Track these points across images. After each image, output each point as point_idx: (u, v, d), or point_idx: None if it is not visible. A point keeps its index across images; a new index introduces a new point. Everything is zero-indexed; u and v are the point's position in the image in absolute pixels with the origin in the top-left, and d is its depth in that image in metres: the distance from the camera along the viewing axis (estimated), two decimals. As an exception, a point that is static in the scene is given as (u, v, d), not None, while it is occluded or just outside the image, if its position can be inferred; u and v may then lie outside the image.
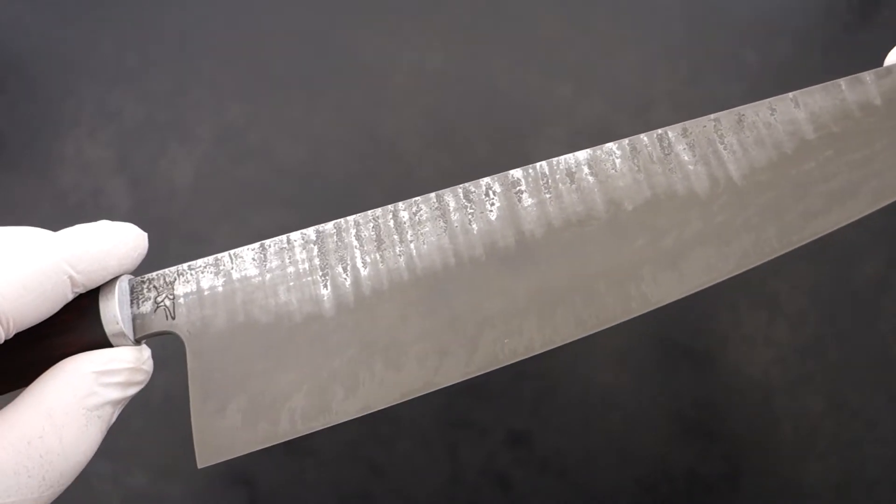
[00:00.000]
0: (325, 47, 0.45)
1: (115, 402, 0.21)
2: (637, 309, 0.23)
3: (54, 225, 0.42)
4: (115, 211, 0.42)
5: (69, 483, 0.20)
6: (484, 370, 0.23)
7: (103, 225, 0.22)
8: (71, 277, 0.20)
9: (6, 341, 0.20)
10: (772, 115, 0.25)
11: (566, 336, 0.23)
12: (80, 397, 0.20)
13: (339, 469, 0.39)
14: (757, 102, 0.25)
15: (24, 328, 0.20)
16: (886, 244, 0.42)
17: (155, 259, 0.41)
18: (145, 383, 0.22)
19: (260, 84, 0.44)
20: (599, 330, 0.23)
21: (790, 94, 0.25)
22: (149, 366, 0.22)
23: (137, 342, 0.22)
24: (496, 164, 0.43)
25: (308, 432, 0.22)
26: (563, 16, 0.46)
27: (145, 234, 0.23)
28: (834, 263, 0.42)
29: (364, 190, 0.42)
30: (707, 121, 0.25)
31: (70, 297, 0.21)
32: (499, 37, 0.45)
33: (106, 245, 0.21)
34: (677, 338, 0.41)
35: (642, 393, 0.40)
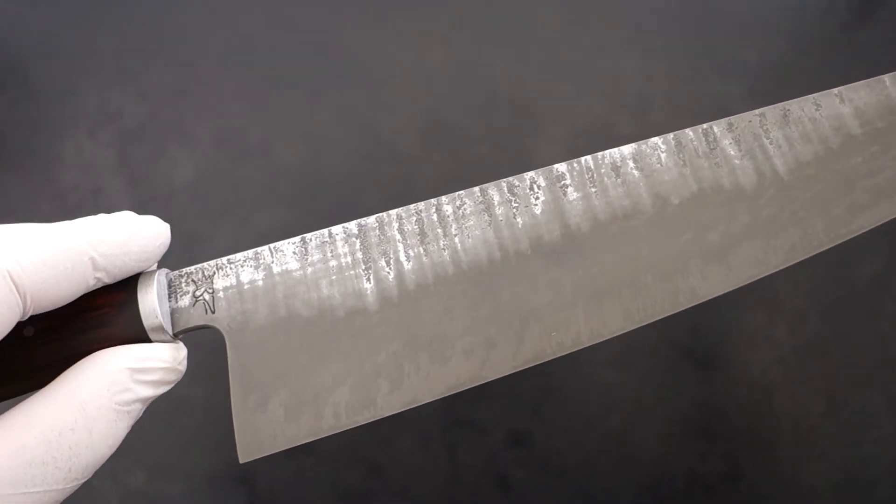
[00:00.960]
0: (325, 47, 0.45)
1: (145, 400, 0.21)
2: (685, 302, 0.23)
3: (54, 225, 0.42)
4: (114, 211, 0.42)
5: (90, 476, 0.20)
6: (531, 363, 0.23)
7: (126, 214, 0.22)
8: (92, 259, 0.20)
9: (42, 336, 0.20)
10: (817, 110, 0.25)
11: (614, 329, 0.23)
12: (113, 392, 0.20)
13: (339, 468, 0.39)
14: (801, 98, 0.25)
15: (43, 310, 0.20)
16: (886, 244, 0.42)
17: (155, 259, 0.41)
18: (178, 381, 0.22)
19: (260, 84, 0.44)
20: (647, 323, 0.23)
21: (835, 90, 0.25)
22: (183, 366, 0.22)
23: (176, 336, 0.22)
24: (496, 164, 0.43)
25: (353, 426, 0.22)
26: (563, 16, 0.46)
27: (168, 226, 0.23)
28: (834, 263, 0.42)
29: (364, 190, 0.42)
30: (752, 115, 0.25)
31: (92, 282, 0.21)
32: (499, 37, 0.45)
33: (128, 231, 0.21)
34: (677, 338, 0.41)
35: (642, 393, 0.40)
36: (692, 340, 0.41)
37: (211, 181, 0.43)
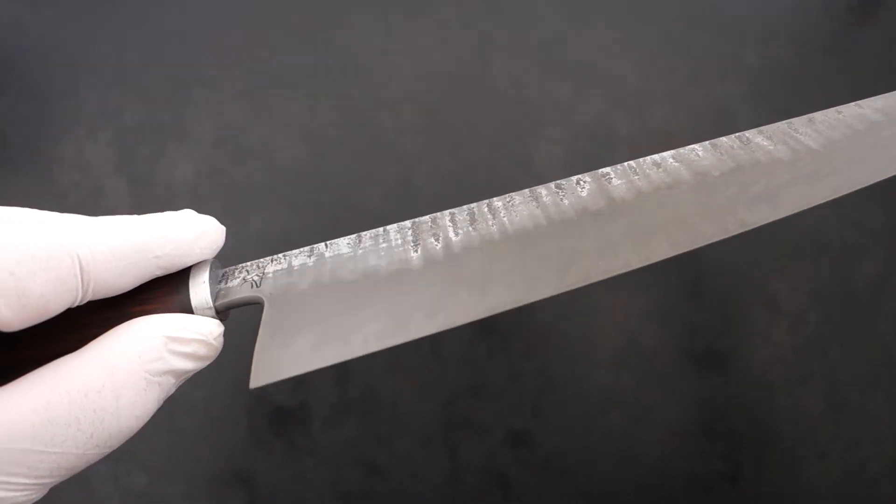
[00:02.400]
0: (325, 47, 0.45)
1: (177, 373, 0.20)
2: (734, 230, 0.24)
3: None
4: (114, 211, 0.42)
5: (115, 447, 0.19)
6: (576, 286, 0.23)
7: (189, 214, 0.22)
8: (157, 257, 0.21)
9: (91, 314, 0.20)
10: (839, 114, 0.27)
11: (662, 255, 0.23)
12: (145, 360, 0.20)
13: (339, 469, 0.39)
14: (824, 110, 0.27)
15: (100, 297, 0.20)
16: (886, 244, 0.42)
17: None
18: (210, 360, 0.22)
19: (260, 84, 0.44)
20: (693, 248, 0.24)
21: (853, 103, 0.27)
22: (219, 342, 0.22)
23: (219, 313, 0.23)
24: (496, 164, 0.43)
25: (380, 349, 0.22)
26: (563, 16, 0.46)
27: (224, 228, 0.23)
28: (834, 263, 0.42)
29: (364, 190, 0.42)
30: (779, 123, 0.27)
31: (151, 276, 0.21)
32: (499, 37, 0.45)
33: (193, 233, 0.22)
34: (677, 338, 0.41)
35: (642, 393, 0.40)
36: (692, 340, 0.41)
37: (211, 181, 0.43)
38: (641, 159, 0.26)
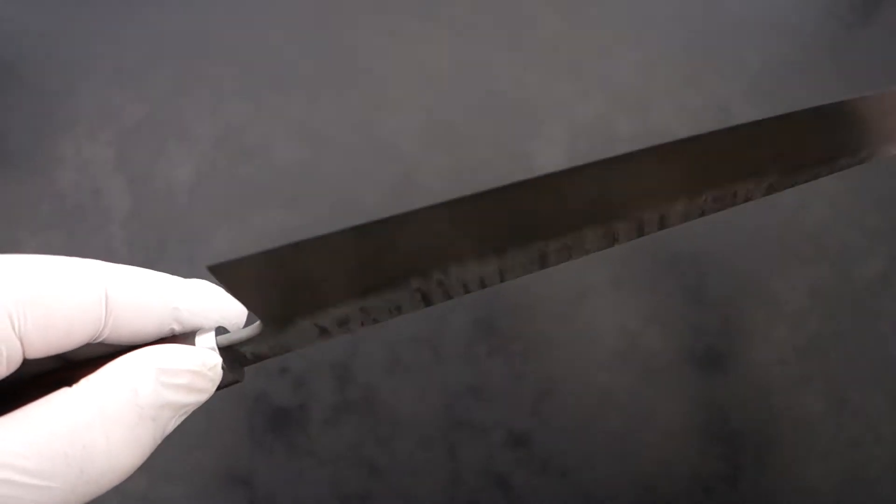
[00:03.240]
0: (325, 47, 0.45)
1: (174, 407, 0.20)
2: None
3: (53, 225, 0.42)
4: (114, 211, 0.42)
5: (111, 485, 0.19)
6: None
7: (215, 287, 0.22)
8: (176, 309, 0.21)
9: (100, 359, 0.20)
10: None
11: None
12: (136, 393, 0.19)
13: (339, 469, 0.39)
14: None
15: (117, 340, 0.20)
16: (886, 244, 0.42)
17: (154, 259, 0.41)
18: (209, 394, 0.21)
19: (260, 84, 0.44)
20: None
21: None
22: (214, 373, 0.21)
23: (227, 358, 0.22)
24: (496, 164, 0.43)
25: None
26: (563, 16, 0.46)
27: (246, 313, 0.23)
28: (834, 263, 0.42)
29: (364, 190, 0.42)
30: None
31: (167, 329, 0.21)
32: (499, 36, 0.45)
33: (214, 300, 0.22)
34: (677, 338, 0.41)
35: (642, 393, 0.40)
36: (692, 340, 0.41)
37: (211, 181, 0.43)
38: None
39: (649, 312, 0.41)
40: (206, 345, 0.21)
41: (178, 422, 0.20)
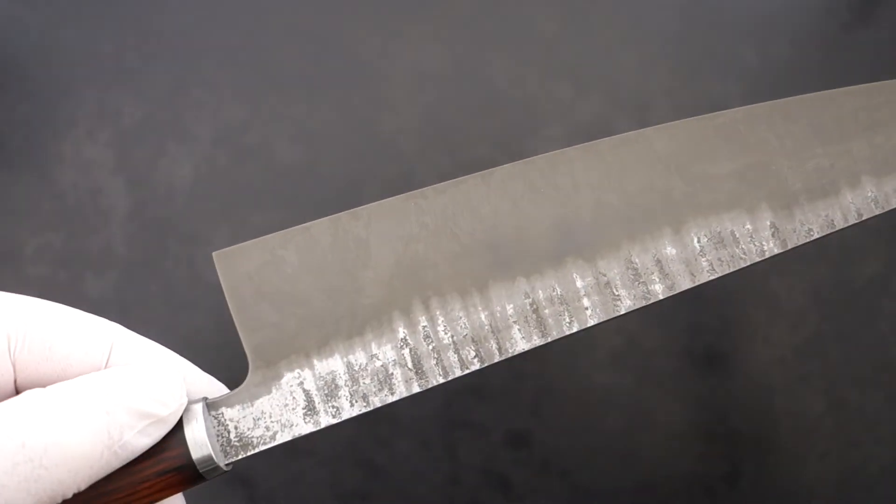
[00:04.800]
0: (325, 47, 0.45)
1: (129, 410, 0.19)
2: None
3: (53, 225, 0.42)
4: (114, 211, 0.42)
5: (71, 480, 0.18)
6: None
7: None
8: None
9: None
10: None
11: None
12: (90, 386, 0.19)
13: (339, 469, 0.39)
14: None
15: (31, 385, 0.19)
16: (886, 244, 0.42)
17: (154, 259, 0.41)
18: (169, 410, 0.20)
19: (260, 84, 0.44)
20: None
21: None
22: (175, 389, 0.20)
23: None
24: (496, 165, 0.43)
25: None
26: (563, 16, 0.46)
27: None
28: (834, 263, 0.42)
29: (364, 190, 0.42)
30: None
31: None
32: (499, 37, 0.45)
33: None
34: (677, 338, 0.41)
35: (642, 393, 0.40)
36: (692, 340, 0.41)
37: (210, 181, 0.43)
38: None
39: (648, 312, 0.41)
40: (194, 413, 0.20)
41: (146, 441, 0.19)
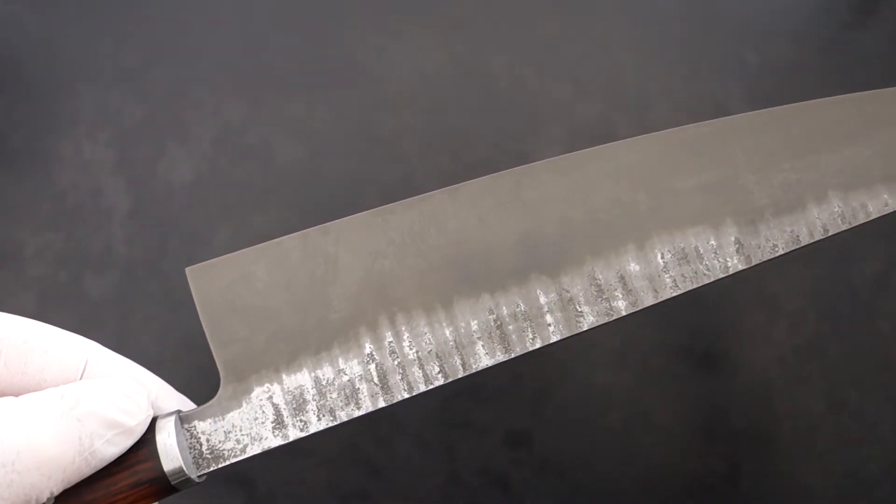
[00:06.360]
0: (325, 47, 0.45)
1: (98, 418, 0.19)
2: None
3: (53, 225, 0.42)
4: (114, 211, 0.42)
5: (44, 483, 0.18)
6: None
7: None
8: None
9: None
10: None
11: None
12: (63, 395, 0.19)
13: (338, 469, 0.39)
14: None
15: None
16: (886, 244, 0.42)
17: (154, 259, 0.41)
18: (136, 420, 0.20)
19: (260, 84, 0.44)
20: None
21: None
22: (141, 399, 0.20)
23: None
24: (496, 165, 0.43)
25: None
26: (563, 16, 0.46)
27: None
28: (833, 263, 0.42)
29: (364, 190, 0.42)
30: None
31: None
32: (499, 37, 0.45)
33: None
34: (677, 338, 0.41)
35: (642, 393, 0.40)
36: (692, 340, 0.41)
37: (210, 181, 0.43)
38: None
39: (648, 312, 0.41)
40: (166, 426, 0.20)
41: (114, 450, 0.20)
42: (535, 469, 0.39)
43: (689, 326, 0.41)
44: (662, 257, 0.23)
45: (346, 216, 0.23)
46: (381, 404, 0.22)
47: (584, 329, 0.23)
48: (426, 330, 0.22)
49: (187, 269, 0.22)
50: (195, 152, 0.43)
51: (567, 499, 0.39)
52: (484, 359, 0.22)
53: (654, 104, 0.44)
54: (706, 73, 0.45)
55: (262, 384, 0.22)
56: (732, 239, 0.24)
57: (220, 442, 0.21)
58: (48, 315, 0.40)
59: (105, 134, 0.43)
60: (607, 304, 0.23)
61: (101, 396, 0.20)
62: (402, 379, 0.22)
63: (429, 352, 0.22)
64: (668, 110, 0.44)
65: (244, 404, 0.22)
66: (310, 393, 0.22)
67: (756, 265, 0.24)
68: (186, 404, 0.23)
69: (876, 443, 0.40)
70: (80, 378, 0.21)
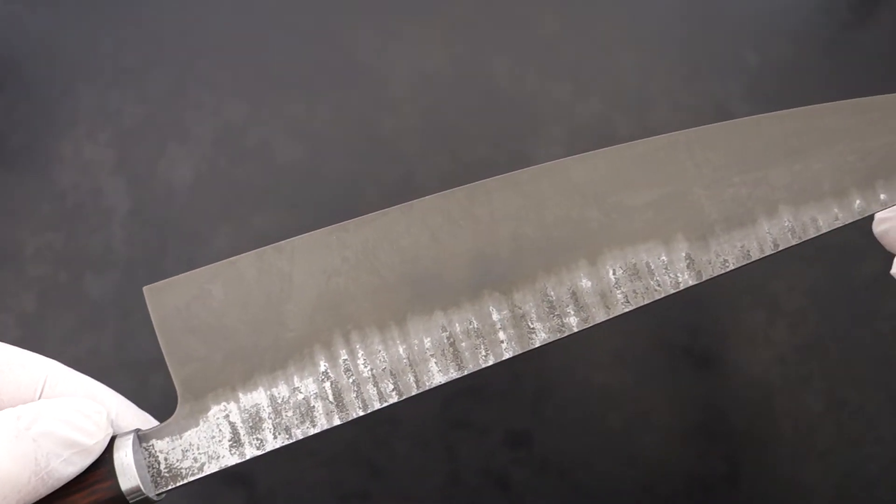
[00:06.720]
0: (325, 47, 0.45)
1: (54, 438, 0.19)
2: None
3: (53, 225, 0.42)
4: (114, 211, 0.42)
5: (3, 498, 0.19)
6: None
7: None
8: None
9: None
10: None
11: None
12: (19, 415, 0.19)
13: (338, 469, 0.39)
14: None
15: None
16: (886, 244, 0.42)
17: (154, 259, 0.41)
18: (94, 440, 0.20)
19: (260, 84, 0.44)
20: None
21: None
22: (99, 418, 0.20)
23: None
24: (496, 164, 0.43)
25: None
26: (563, 16, 0.46)
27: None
28: (833, 263, 0.42)
29: (364, 190, 0.42)
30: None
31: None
32: (499, 37, 0.45)
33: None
34: (677, 338, 0.41)
35: (642, 393, 0.40)
36: (691, 340, 0.41)
37: (210, 181, 0.43)
38: None
39: (647, 313, 0.41)
40: (124, 445, 0.20)
41: (72, 469, 0.19)
42: (535, 469, 0.39)
43: (689, 326, 0.41)
44: (614, 273, 0.23)
45: (343, 219, 0.23)
46: (337, 422, 0.22)
47: (536, 346, 0.23)
48: (380, 348, 0.22)
49: (145, 289, 0.22)
50: (195, 152, 0.43)
51: (567, 499, 0.39)
52: (437, 376, 0.22)
53: (654, 104, 0.44)
54: (706, 73, 0.45)
55: (218, 403, 0.22)
56: (683, 254, 0.23)
57: (177, 460, 0.21)
58: (48, 315, 0.40)
59: (105, 134, 0.43)
60: (559, 321, 0.23)
61: (58, 416, 0.20)
62: (356, 397, 0.22)
63: (383, 369, 0.22)
64: (668, 110, 0.44)
65: (201, 423, 0.22)
66: (266, 411, 0.22)
67: (706, 280, 0.24)
68: (148, 422, 0.23)
69: (876, 443, 0.40)
70: (39, 397, 0.21)
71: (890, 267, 0.26)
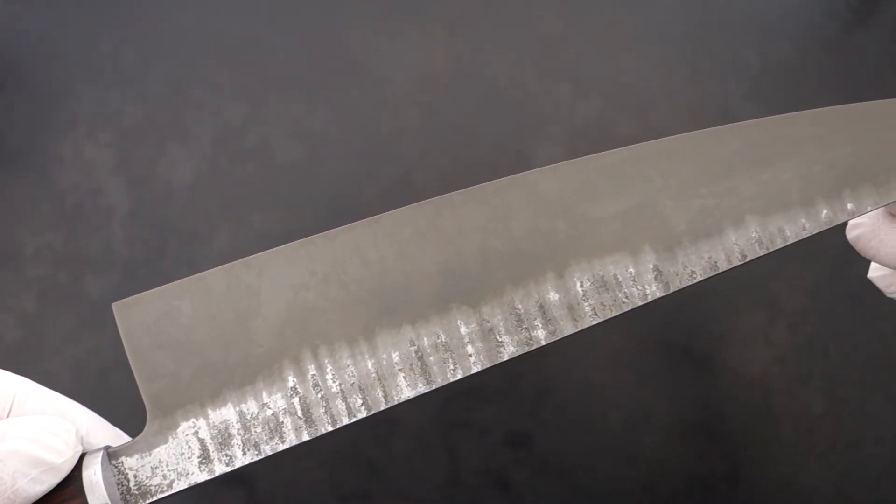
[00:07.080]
0: (325, 47, 0.45)
1: (20, 456, 0.19)
2: None
3: (53, 225, 0.42)
4: (114, 211, 0.42)
5: None
6: None
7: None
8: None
9: None
10: None
11: None
12: None
13: (338, 469, 0.39)
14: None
15: None
16: (886, 244, 0.42)
17: (154, 259, 0.41)
18: (63, 458, 0.20)
19: (260, 84, 0.44)
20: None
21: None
22: (67, 436, 0.20)
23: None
24: (496, 164, 0.43)
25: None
26: (563, 16, 0.46)
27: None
28: (833, 263, 0.42)
29: (364, 190, 0.42)
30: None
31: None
32: (499, 37, 0.45)
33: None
34: (677, 338, 0.41)
35: (642, 393, 0.40)
36: (691, 341, 0.41)
37: (210, 181, 0.43)
38: None
39: (647, 313, 0.41)
40: (93, 462, 0.20)
41: (40, 488, 0.19)
42: (535, 469, 0.39)
43: (689, 326, 0.41)
44: (582, 286, 0.23)
45: (342, 224, 0.23)
46: (305, 437, 0.22)
47: (505, 359, 0.23)
48: (349, 362, 0.22)
49: (114, 305, 0.22)
50: (195, 152, 0.43)
51: (567, 499, 0.39)
52: (405, 391, 0.22)
53: (654, 104, 0.44)
54: (707, 74, 0.45)
55: (187, 419, 0.22)
56: (651, 266, 0.23)
57: (147, 478, 0.21)
58: (48, 315, 0.40)
59: (105, 134, 0.43)
60: (527, 334, 0.23)
61: (26, 434, 0.20)
62: (325, 412, 0.22)
63: (351, 384, 0.22)
64: (669, 110, 0.44)
65: (170, 439, 0.22)
66: (235, 427, 0.22)
67: (674, 292, 0.23)
68: (119, 438, 0.22)
69: (876, 443, 0.40)
70: (7, 415, 0.20)
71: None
